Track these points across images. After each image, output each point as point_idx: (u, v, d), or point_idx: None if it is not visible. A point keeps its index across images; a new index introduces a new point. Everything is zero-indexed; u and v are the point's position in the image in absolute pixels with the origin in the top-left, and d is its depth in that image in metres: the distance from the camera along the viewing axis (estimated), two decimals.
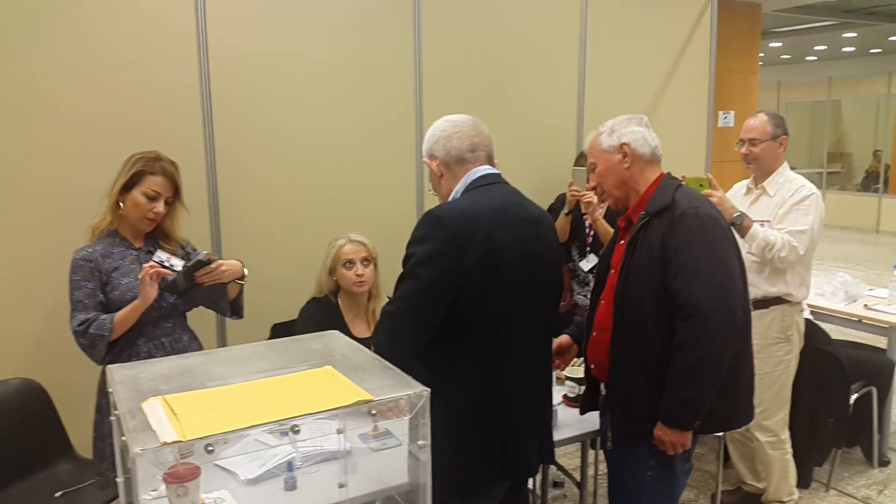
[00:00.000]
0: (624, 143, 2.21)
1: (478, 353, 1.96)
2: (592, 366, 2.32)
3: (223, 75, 3.21)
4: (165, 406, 1.37)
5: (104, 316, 2.39)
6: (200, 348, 2.70)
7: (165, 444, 1.21)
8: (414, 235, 1.95)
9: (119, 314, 2.38)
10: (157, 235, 2.59)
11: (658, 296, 2.07)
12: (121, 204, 2.46)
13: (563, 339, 2.45)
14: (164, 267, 2.45)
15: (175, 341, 2.56)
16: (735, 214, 3.00)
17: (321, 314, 2.91)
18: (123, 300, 2.41)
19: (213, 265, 2.45)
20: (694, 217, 2.06)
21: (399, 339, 1.93)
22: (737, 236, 2.91)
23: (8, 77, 2.79)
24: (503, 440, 2.01)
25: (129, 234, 2.52)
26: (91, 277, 2.41)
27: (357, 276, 2.89)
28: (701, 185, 2.98)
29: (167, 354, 2.49)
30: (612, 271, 2.25)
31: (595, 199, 3.43)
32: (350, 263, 2.90)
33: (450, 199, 2.06)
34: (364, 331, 2.96)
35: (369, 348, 2.76)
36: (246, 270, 2.61)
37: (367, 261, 2.93)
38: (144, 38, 3.03)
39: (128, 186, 2.45)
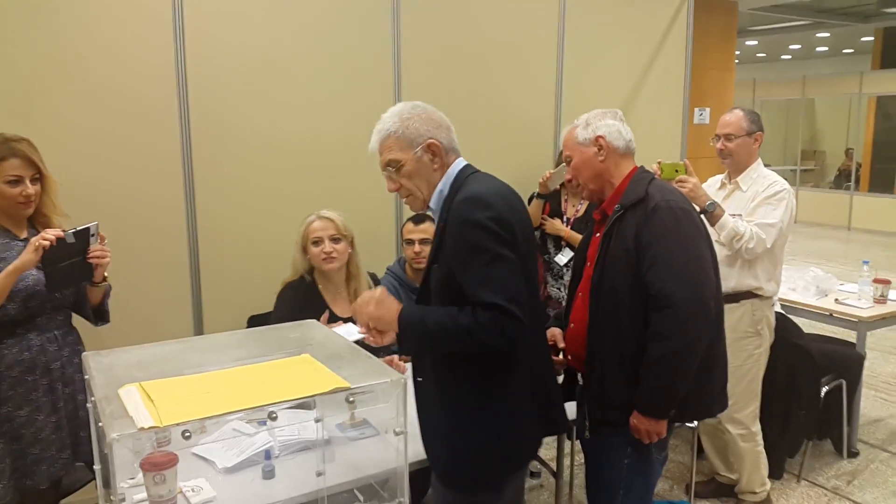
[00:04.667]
0: (599, 136, 2.23)
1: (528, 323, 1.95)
2: (570, 357, 2.35)
3: (200, 70, 3.19)
4: (142, 392, 1.37)
5: None
6: (83, 345, 2.56)
7: (142, 429, 1.22)
8: (465, 221, 1.83)
9: None
10: (37, 220, 2.44)
11: (632, 287, 2.11)
12: None
13: (557, 331, 2.41)
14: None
15: (66, 334, 2.46)
16: (707, 202, 3.04)
17: (300, 296, 2.88)
18: (16, 289, 2.27)
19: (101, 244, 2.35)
20: (667, 210, 2.10)
21: (521, 319, 1.80)
22: (707, 226, 2.97)
23: None
24: (549, 402, 2.11)
25: (10, 224, 2.39)
26: None
27: (325, 252, 2.85)
28: (677, 171, 3.01)
29: (60, 347, 2.42)
30: (588, 264, 2.28)
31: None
32: (318, 241, 2.87)
33: (438, 191, 1.98)
34: (343, 310, 2.92)
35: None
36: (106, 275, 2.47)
37: (336, 239, 2.88)
38: (121, 31, 3.00)
39: None
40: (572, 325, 2.33)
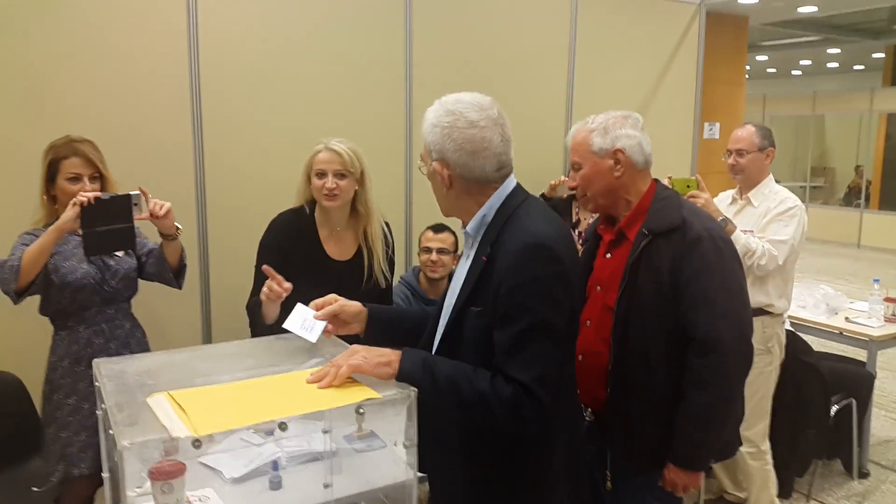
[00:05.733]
0: (618, 150, 2.00)
1: (566, 384, 1.81)
2: (578, 391, 2.03)
3: (213, 70, 3.21)
4: (172, 402, 1.37)
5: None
6: (143, 336, 2.70)
7: (178, 438, 1.22)
8: (525, 273, 1.59)
9: (32, 245, 2.32)
10: None
11: (666, 325, 1.94)
12: (56, 197, 2.49)
13: None
14: None
15: (116, 328, 2.58)
16: (719, 218, 3.02)
17: (293, 228, 2.64)
18: (65, 282, 2.44)
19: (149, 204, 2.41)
20: (709, 240, 1.93)
21: (543, 403, 1.59)
22: None
23: None
24: (580, 467, 1.90)
25: None
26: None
27: (327, 188, 2.56)
28: (688, 186, 2.99)
29: (107, 340, 2.55)
30: (599, 288, 2.08)
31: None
32: (322, 174, 2.58)
33: (481, 215, 1.72)
34: (340, 252, 2.66)
35: (347, 274, 2.59)
36: (178, 225, 2.54)
37: (340, 174, 2.57)
38: (136, 32, 3.03)
39: (51, 179, 2.47)
40: (580, 357, 2.04)
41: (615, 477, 2.09)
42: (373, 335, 1.86)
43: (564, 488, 1.79)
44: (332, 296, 1.85)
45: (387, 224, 2.81)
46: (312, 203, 2.66)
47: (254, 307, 2.47)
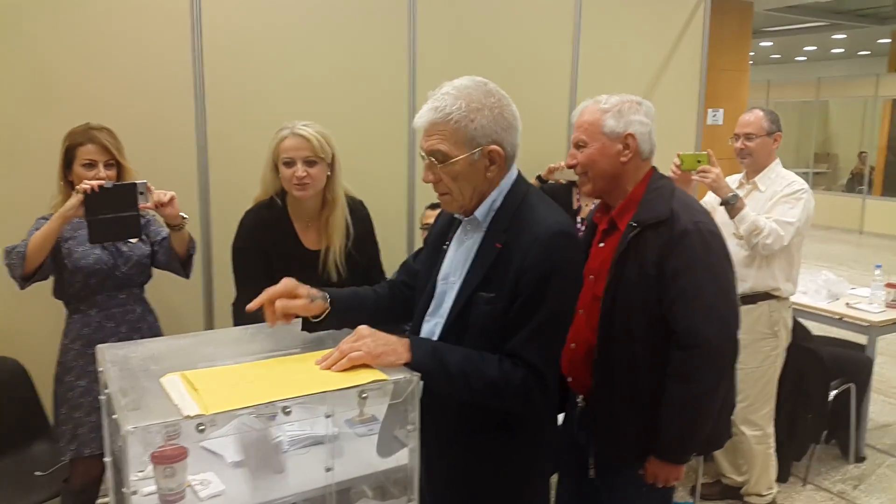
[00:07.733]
0: (630, 134, 1.98)
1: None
2: (570, 378, 2.12)
3: (216, 55, 3.21)
4: (185, 381, 1.38)
5: None
6: (155, 320, 2.73)
7: (188, 417, 1.23)
8: (558, 262, 1.61)
9: (37, 232, 2.37)
10: None
11: (650, 319, 1.93)
12: (73, 183, 2.49)
13: None
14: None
15: (127, 312, 2.61)
16: (729, 194, 3.01)
17: (267, 224, 2.52)
18: (77, 267, 2.49)
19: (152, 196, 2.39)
20: (696, 234, 1.90)
21: (549, 386, 1.66)
22: (726, 219, 2.87)
23: (4, 53, 2.79)
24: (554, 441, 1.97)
25: None
26: None
27: (297, 177, 2.41)
28: (699, 161, 2.97)
29: (118, 324, 2.58)
30: (591, 277, 2.05)
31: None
32: (290, 162, 2.42)
33: (490, 201, 1.70)
34: (316, 241, 2.55)
35: (318, 263, 2.48)
36: (184, 215, 2.53)
37: (310, 161, 2.43)
38: (139, 18, 3.03)
39: (67, 165, 2.50)
40: (573, 345, 2.05)
41: (601, 466, 2.09)
42: (332, 325, 1.78)
43: (547, 466, 1.90)
44: (290, 281, 1.70)
45: (361, 204, 2.67)
46: (283, 193, 2.52)
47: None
